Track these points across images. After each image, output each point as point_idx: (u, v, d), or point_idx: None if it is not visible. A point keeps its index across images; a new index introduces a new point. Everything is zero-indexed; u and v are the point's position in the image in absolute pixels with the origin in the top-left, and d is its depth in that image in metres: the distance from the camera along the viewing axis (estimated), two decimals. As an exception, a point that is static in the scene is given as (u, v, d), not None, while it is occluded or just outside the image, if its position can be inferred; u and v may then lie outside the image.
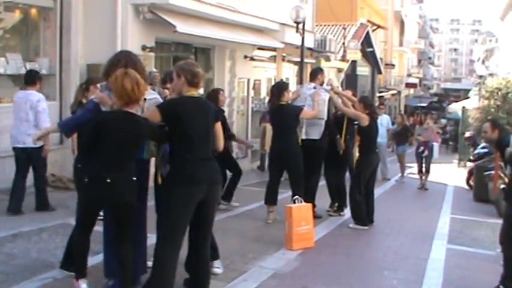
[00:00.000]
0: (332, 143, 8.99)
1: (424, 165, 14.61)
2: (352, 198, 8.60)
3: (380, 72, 38.33)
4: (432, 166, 14.98)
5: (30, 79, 8.13)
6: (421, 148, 14.74)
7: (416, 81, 58.76)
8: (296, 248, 6.91)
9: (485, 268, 6.88)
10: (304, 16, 15.95)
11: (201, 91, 4.68)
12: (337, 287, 5.76)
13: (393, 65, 45.05)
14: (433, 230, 9.03)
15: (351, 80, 30.20)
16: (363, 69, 33.52)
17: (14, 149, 8.06)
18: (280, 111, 8.27)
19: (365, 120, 8.39)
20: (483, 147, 15.05)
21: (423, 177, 14.67)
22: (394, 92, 46.32)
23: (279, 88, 8.50)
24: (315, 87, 8.86)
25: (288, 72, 20.57)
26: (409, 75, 57.36)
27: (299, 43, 16.24)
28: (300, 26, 15.69)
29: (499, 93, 12.81)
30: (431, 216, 10.40)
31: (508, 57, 36.68)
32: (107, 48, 10.96)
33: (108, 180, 4.41)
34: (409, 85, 54.28)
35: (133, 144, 4.57)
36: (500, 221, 10.06)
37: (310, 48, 19.69)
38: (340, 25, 29.01)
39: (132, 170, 4.60)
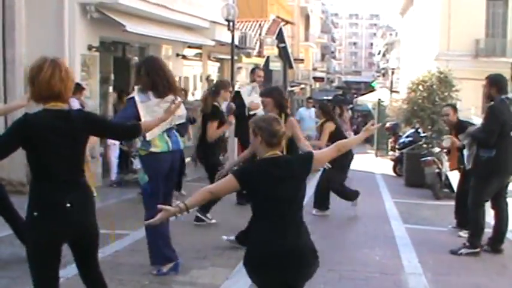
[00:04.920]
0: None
1: None
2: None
3: (291, 67, 39.35)
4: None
5: None
6: None
7: (323, 75, 60.72)
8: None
9: (445, 240, 7.57)
10: (234, 14, 16.38)
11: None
12: (330, 266, 6.17)
13: (302, 60, 46.32)
14: (385, 213, 9.76)
15: (265, 75, 30.73)
16: (276, 65, 34.26)
17: None
18: None
19: None
20: (407, 136, 15.94)
21: None
22: (303, 86, 47.66)
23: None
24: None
25: (213, 70, 20.96)
26: (314, 69, 59.10)
27: (228, 40, 16.70)
28: (231, 24, 16.12)
29: (425, 85, 13.68)
30: (376, 200, 11.09)
31: (408, 51, 38.63)
32: (53, 48, 10.86)
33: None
34: (317, 79, 56.06)
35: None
36: (437, 203, 11.01)
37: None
38: (255, 21, 29.66)
39: None
